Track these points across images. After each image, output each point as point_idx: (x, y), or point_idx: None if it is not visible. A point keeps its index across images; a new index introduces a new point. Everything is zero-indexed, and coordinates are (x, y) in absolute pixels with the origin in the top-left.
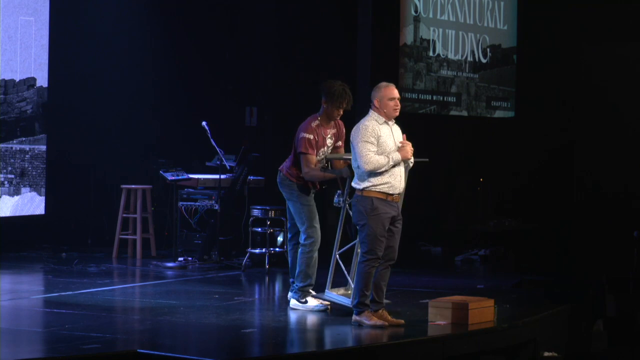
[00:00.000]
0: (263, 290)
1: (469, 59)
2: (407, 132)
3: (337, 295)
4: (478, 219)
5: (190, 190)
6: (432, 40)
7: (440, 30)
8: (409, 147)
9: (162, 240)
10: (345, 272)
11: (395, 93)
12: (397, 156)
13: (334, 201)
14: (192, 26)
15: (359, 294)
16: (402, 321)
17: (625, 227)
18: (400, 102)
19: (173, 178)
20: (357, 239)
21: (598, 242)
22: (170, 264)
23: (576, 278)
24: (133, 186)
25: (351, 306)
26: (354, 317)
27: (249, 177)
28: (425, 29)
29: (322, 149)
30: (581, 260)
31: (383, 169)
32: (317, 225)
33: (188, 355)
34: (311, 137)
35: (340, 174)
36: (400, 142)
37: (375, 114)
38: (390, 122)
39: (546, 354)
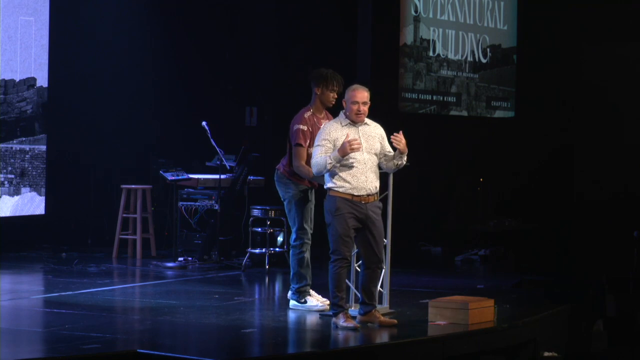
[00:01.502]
0: (263, 290)
1: (469, 59)
2: (407, 132)
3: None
4: (478, 219)
5: (190, 190)
6: (432, 40)
7: (440, 30)
8: (347, 143)
9: (162, 240)
10: (351, 285)
11: (360, 97)
12: (334, 154)
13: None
14: (192, 26)
15: (333, 295)
16: (395, 321)
17: (625, 227)
18: (400, 102)
19: (173, 178)
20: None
21: (598, 242)
22: (170, 264)
23: (576, 278)
24: (133, 186)
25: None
26: (333, 319)
27: (249, 177)
28: (425, 29)
29: None
30: (581, 260)
31: (327, 169)
32: (308, 227)
33: (188, 355)
34: (305, 128)
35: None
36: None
37: (342, 115)
38: (358, 124)
39: (546, 354)
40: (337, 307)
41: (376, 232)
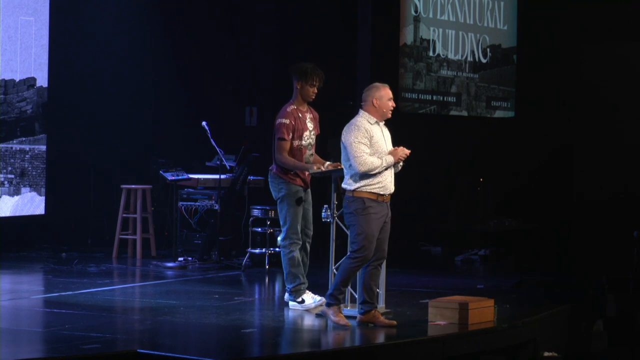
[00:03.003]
0: (263, 290)
1: (469, 59)
2: (407, 132)
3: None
4: (478, 219)
5: (190, 190)
6: (432, 40)
7: (440, 30)
8: (401, 150)
9: (162, 240)
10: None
11: (391, 94)
12: (390, 159)
13: (322, 216)
14: (192, 26)
15: (336, 287)
16: (395, 322)
17: (625, 227)
18: (400, 102)
19: (173, 178)
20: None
21: (598, 242)
22: (170, 264)
23: (576, 278)
24: (133, 186)
25: (325, 297)
26: (322, 308)
27: (249, 177)
28: (425, 29)
29: (306, 133)
30: (581, 260)
31: (377, 171)
32: (299, 227)
33: (188, 355)
34: (287, 121)
35: (310, 169)
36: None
37: (367, 114)
38: (380, 123)
39: (546, 354)
40: (335, 299)
41: (387, 230)
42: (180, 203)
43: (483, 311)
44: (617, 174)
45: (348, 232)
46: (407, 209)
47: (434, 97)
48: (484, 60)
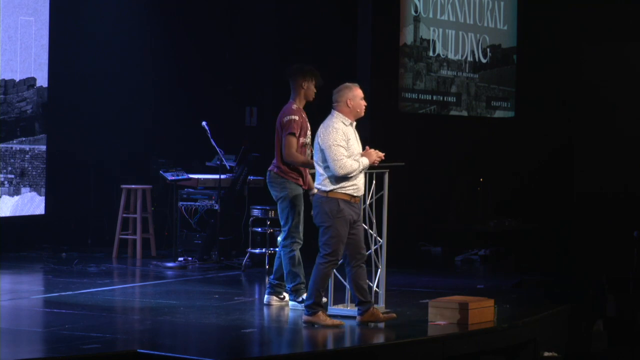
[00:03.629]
0: (263, 290)
1: (469, 59)
2: (407, 133)
3: (341, 309)
4: (478, 219)
5: (190, 190)
6: (432, 40)
7: (440, 30)
8: (375, 153)
9: (162, 240)
10: (347, 284)
11: (362, 93)
12: (365, 161)
13: None
14: (192, 26)
15: (314, 294)
16: (395, 315)
17: (625, 227)
18: (401, 102)
19: (173, 178)
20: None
21: (598, 242)
22: (170, 264)
23: (576, 278)
24: (133, 186)
25: (304, 306)
26: (306, 318)
27: (249, 177)
28: (425, 29)
29: (308, 132)
30: (581, 260)
31: (354, 174)
32: (301, 227)
33: (188, 355)
34: (297, 118)
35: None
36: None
37: (342, 115)
38: (353, 124)
39: (546, 354)
40: (318, 306)
41: (361, 230)
42: (180, 203)
43: (483, 311)
44: (617, 174)
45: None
46: (407, 209)
47: (434, 97)
48: (484, 60)
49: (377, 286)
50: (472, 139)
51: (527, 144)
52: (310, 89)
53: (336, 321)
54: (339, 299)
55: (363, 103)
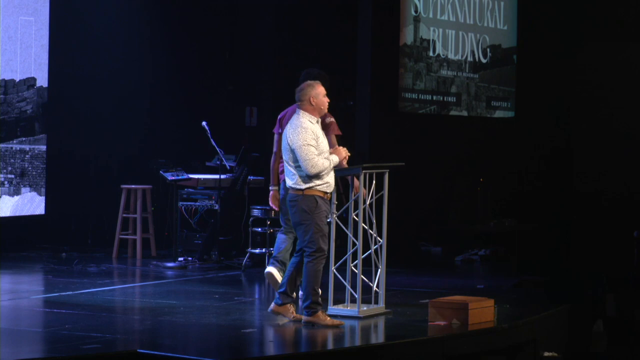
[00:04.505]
0: (263, 290)
1: (469, 59)
2: (407, 132)
3: (341, 309)
4: (478, 219)
5: (190, 190)
6: (432, 40)
7: (440, 30)
8: (344, 151)
9: (162, 240)
10: (347, 284)
11: (324, 90)
12: (335, 158)
13: None
14: (192, 26)
15: (312, 293)
16: (302, 317)
17: (625, 227)
18: (400, 102)
19: (173, 178)
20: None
21: (598, 242)
22: (170, 264)
23: (576, 278)
24: (133, 186)
25: (302, 307)
26: (306, 318)
27: (249, 177)
28: (425, 29)
29: None
30: (581, 260)
31: (325, 172)
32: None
33: (188, 355)
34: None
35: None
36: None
37: (308, 113)
38: (318, 121)
39: (546, 354)
40: (317, 305)
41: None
42: (180, 203)
43: (483, 311)
44: (617, 174)
45: (301, 232)
46: (407, 209)
47: (434, 97)
48: (484, 60)
49: (377, 286)
50: (472, 139)
51: (527, 144)
52: None
53: (336, 321)
54: (339, 299)
55: (326, 100)
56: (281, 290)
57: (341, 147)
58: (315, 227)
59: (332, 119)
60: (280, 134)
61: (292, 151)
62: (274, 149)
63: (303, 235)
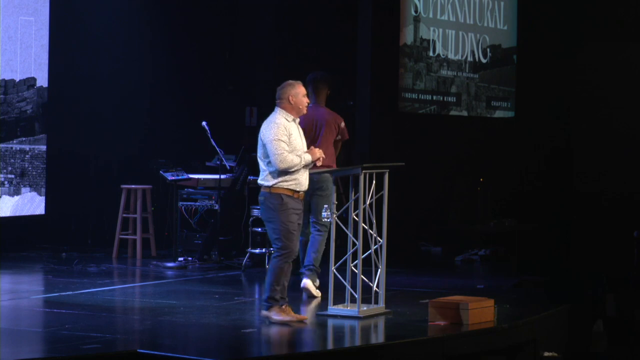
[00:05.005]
0: (263, 290)
1: (469, 59)
2: (407, 132)
3: (341, 309)
4: (478, 219)
5: (190, 190)
6: (432, 40)
7: (440, 30)
8: (319, 152)
9: (162, 240)
10: (347, 284)
11: (305, 90)
12: (308, 157)
13: (322, 216)
14: (192, 26)
15: (270, 288)
16: (306, 317)
17: (625, 227)
18: (400, 102)
19: (173, 178)
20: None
21: (598, 241)
22: (170, 264)
23: (576, 278)
24: (133, 186)
25: (262, 300)
26: (263, 312)
27: (249, 177)
28: (425, 29)
29: None
30: (581, 260)
31: (295, 169)
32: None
33: (188, 355)
34: None
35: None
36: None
37: (284, 111)
38: (296, 120)
39: (546, 354)
40: (274, 300)
41: (300, 227)
42: (180, 203)
43: (483, 311)
44: (617, 174)
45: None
46: (407, 209)
47: (434, 97)
48: (484, 60)
49: (377, 286)
50: (472, 139)
51: (527, 144)
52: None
53: (288, 317)
54: (339, 299)
55: (305, 100)
56: (267, 296)
57: (316, 149)
58: (281, 225)
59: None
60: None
61: (264, 146)
62: None
63: (270, 233)
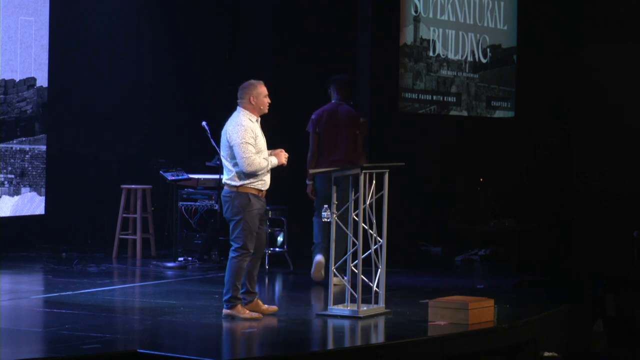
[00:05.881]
0: (263, 290)
1: (469, 59)
2: (407, 132)
3: (341, 309)
4: (478, 219)
5: (190, 190)
6: (432, 40)
7: (440, 30)
8: (283, 154)
9: (162, 240)
10: (347, 284)
11: (266, 90)
12: (274, 161)
13: (322, 216)
14: (192, 26)
15: (232, 288)
16: (276, 308)
17: (625, 227)
18: (400, 102)
19: (173, 178)
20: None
21: (598, 241)
22: (170, 264)
23: (576, 278)
24: (133, 186)
25: (223, 300)
26: (226, 311)
27: None
28: (425, 29)
29: None
30: (581, 260)
31: (262, 172)
32: None
33: (188, 355)
34: None
35: None
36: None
37: (247, 112)
38: (259, 120)
39: (546, 354)
40: (236, 299)
41: (265, 223)
42: (180, 203)
43: (483, 311)
44: (617, 174)
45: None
46: (407, 209)
47: (434, 97)
48: (484, 60)
49: (377, 286)
50: (472, 139)
51: (527, 144)
52: None
53: (254, 314)
54: (339, 299)
55: (267, 100)
56: (243, 290)
57: (281, 151)
58: (245, 224)
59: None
60: (317, 133)
61: (230, 147)
62: (311, 149)
63: (232, 231)
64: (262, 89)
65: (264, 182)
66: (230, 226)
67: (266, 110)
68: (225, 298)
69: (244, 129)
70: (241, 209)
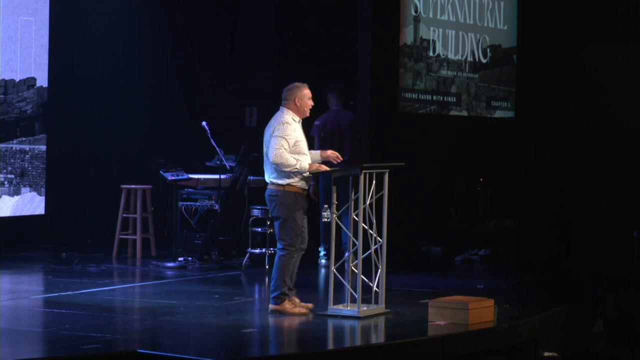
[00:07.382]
0: (263, 290)
1: (469, 59)
2: (407, 133)
3: (341, 309)
4: (478, 219)
5: (190, 190)
6: (432, 40)
7: (440, 30)
8: (322, 168)
9: (162, 240)
10: (347, 284)
11: (311, 93)
12: (306, 165)
13: (322, 216)
14: (192, 26)
15: (280, 284)
16: (312, 305)
17: (625, 227)
18: (401, 102)
19: (173, 178)
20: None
21: (598, 241)
22: (170, 264)
23: (576, 278)
24: (133, 186)
25: (271, 297)
26: (273, 307)
27: (249, 177)
28: (425, 29)
29: None
30: (581, 260)
31: (288, 169)
32: None
33: (188, 355)
34: None
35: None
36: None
37: (291, 112)
38: (300, 121)
39: (546, 354)
40: (284, 295)
41: (306, 220)
42: (180, 203)
43: (483, 311)
44: (617, 174)
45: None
46: (407, 209)
47: (434, 97)
48: (484, 60)
49: (377, 286)
50: (472, 139)
51: (527, 143)
52: None
53: (301, 309)
54: (339, 299)
55: (310, 103)
56: (285, 289)
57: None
58: (293, 222)
59: None
60: (321, 138)
61: (270, 139)
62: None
63: (279, 229)
64: (307, 92)
65: (305, 182)
66: (276, 224)
67: (308, 114)
68: (274, 295)
69: (288, 126)
70: (289, 207)
